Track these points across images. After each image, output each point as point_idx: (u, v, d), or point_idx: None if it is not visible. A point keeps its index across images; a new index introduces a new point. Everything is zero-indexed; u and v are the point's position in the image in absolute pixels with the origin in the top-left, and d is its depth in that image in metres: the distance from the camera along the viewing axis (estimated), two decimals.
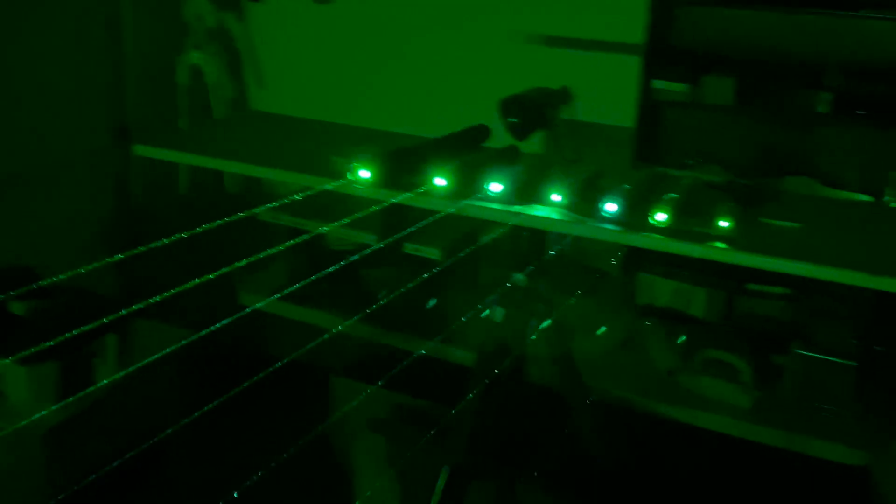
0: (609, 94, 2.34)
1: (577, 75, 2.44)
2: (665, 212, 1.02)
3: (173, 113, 2.87)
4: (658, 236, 1.04)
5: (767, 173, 2.21)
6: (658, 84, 2.20)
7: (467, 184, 1.21)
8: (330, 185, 1.20)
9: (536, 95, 2.55)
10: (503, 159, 1.26)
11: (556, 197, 1.16)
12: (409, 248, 2.05)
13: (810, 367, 1.90)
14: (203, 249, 2.92)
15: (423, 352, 2.18)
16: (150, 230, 2.93)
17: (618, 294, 2.46)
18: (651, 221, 1.03)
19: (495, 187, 1.19)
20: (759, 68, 2.13)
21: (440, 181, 1.21)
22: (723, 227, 1.01)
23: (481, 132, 2.02)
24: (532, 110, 2.53)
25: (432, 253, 2.03)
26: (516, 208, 1.18)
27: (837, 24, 2.06)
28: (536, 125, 2.55)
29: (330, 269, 2.03)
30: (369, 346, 2.46)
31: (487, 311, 1.47)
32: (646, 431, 1.95)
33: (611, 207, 1.08)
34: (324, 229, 2.13)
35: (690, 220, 1.02)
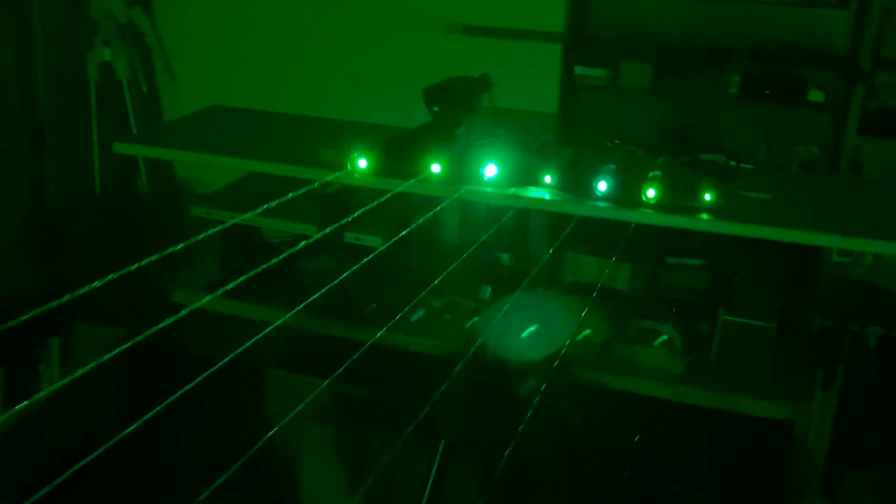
0: (532, 81, 2.42)
1: (501, 63, 2.52)
2: (655, 188, 1.09)
3: (87, 111, 2.80)
4: (649, 211, 1.11)
5: (682, 152, 2.33)
6: (579, 70, 2.29)
7: (462, 170, 1.25)
8: (331, 177, 1.22)
9: (458, 84, 2.61)
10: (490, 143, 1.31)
11: (547, 179, 1.22)
12: (350, 237, 2.08)
13: (734, 332, 2.03)
14: (130, 249, 2.87)
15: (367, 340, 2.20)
16: (66, 231, 2.85)
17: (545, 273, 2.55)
18: (643, 198, 1.10)
19: (490, 171, 1.24)
20: (673, 53, 2.25)
21: (436, 168, 1.25)
22: (707, 201, 1.10)
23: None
24: (455, 98, 2.59)
25: (374, 241, 2.06)
26: (512, 191, 1.23)
27: (743, 9, 2.20)
28: (460, 113, 2.61)
29: (266, 264, 2.04)
30: (307, 339, 2.47)
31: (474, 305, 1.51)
32: (589, 400, 2.04)
33: (602, 186, 1.14)
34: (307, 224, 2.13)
35: (677, 195, 1.10)
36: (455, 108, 2.60)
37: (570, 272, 2.52)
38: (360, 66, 2.71)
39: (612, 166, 1.16)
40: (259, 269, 1.53)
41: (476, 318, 1.46)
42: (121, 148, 1.33)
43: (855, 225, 1.11)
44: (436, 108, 2.62)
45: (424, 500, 1.43)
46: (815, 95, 2.18)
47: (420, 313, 2.23)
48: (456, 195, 1.19)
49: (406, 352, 2.25)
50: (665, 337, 2.07)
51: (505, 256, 1.42)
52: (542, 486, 2.00)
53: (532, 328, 1.45)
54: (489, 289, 1.45)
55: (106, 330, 2.04)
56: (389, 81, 2.68)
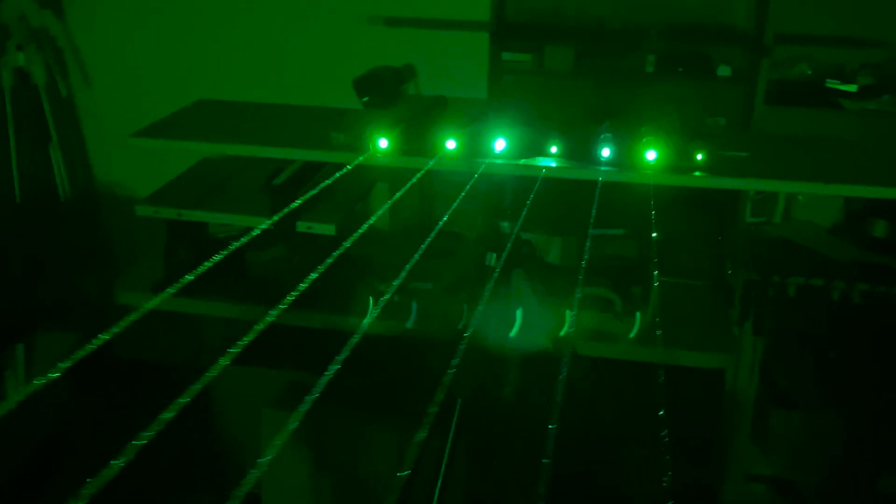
0: (461, 69, 2.52)
1: (430, 52, 2.61)
2: (656, 150, 1.21)
3: (2, 117, 2.73)
4: (650, 171, 1.22)
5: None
6: (506, 56, 2.40)
7: (475, 145, 1.33)
8: (361, 159, 1.27)
9: (385, 73, 2.69)
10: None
11: (553, 149, 1.31)
12: (302, 226, 2.12)
13: (671, 292, 2.20)
14: (56, 255, 2.81)
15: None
16: None
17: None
18: (642, 161, 1.21)
19: (499, 145, 1.32)
20: (592, 37, 2.39)
21: (451, 144, 1.32)
22: (700, 160, 1.22)
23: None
24: (383, 88, 2.67)
25: (327, 229, 2.11)
26: (523, 161, 1.31)
27: None
28: (389, 101, 2.70)
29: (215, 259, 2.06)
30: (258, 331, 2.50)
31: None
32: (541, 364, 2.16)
33: (606, 153, 1.25)
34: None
35: (673, 157, 1.21)
36: (384, 97, 2.69)
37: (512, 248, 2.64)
38: (286, 57, 2.75)
39: (609, 134, 1.27)
40: (207, 265, 1.58)
41: (489, 286, 1.55)
42: (138, 142, 1.35)
43: (827, 173, 1.26)
44: (365, 98, 2.70)
45: (444, 460, 1.51)
46: (723, 70, 2.37)
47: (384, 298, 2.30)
48: (481, 169, 1.28)
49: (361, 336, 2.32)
50: (608, 301, 2.21)
51: (505, 224, 1.52)
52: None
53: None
54: (494, 255, 1.54)
55: (65, 336, 2.03)
56: (316, 72, 2.73)
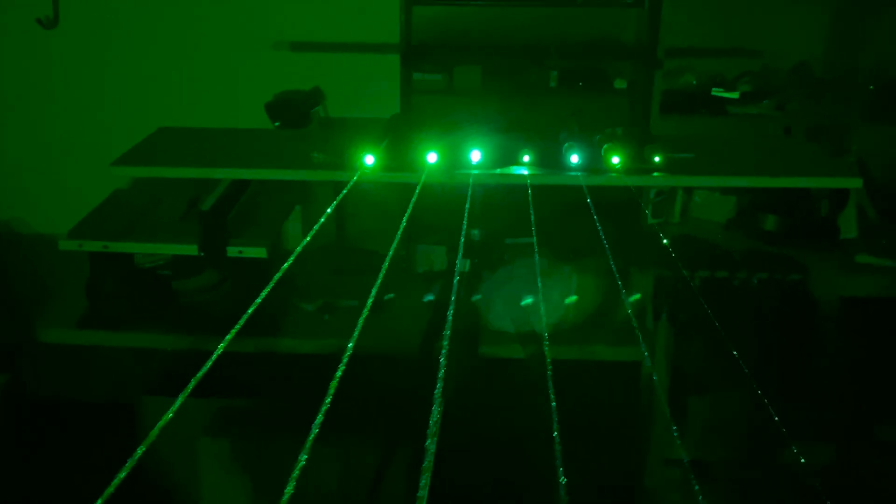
0: (373, 90, 2.60)
1: (341, 75, 2.68)
2: (619, 156, 1.31)
3: None
4: (615, 175, 1.33)
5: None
6: (417, 76, 2.50)
7: (454, 157, 1.40)
8: (355, 177, 1.31)
9: (296, 97, 2.74)
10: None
11: (526, 157, 1.40)
12: (233, 251, 2.14)
13: (588, 291, 2.33)
14: None
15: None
16: None
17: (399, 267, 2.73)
18: (607, 165, 1.32)
19: (475, 157, 1.39)
20: (498, 56, 2.52)
21: (433, 158, 1.38)
22: (657, 162, 1.33)
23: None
24: (294, 112, 2.72)
25: (258, 252, 2.14)
26: (499, 171, 1.39)
27: (554, 13, 2.52)
28: (300, 124, 2.74)
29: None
30: (187, 360, 2.49)
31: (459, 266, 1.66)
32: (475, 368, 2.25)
33: (574, 159, 1.34)
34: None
35: (632, 160, 1.32)
36: (295, 121, 2.74)
37: (421, 263, 2.72)
38: (196, 82, 2.76)
39: (573, 143, 1.38)
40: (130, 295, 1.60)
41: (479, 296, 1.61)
42: (120, 171, 1.36)
43: (770, 167, 1.40)
44: (277, 123, 2.75)
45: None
46: (619, 83, 2.54)
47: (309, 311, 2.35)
48: (472, 181, 1.34)
49: (291, 356, 2.35)
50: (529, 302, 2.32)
51: (475, 232, 1.60)
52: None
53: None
54: (468, 262, 1.61)
55: None
56: (227, 97, 2.75)
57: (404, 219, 1.08)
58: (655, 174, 1.37)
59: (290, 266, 2.75)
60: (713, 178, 1.35)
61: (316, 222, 3.03)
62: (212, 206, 2.13)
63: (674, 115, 2.39)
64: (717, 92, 2.57)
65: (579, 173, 1.39)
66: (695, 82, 2.64)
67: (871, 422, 2.42)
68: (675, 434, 2.50)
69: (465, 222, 1.22)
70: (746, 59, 2.69)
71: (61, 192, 2.77)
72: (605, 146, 1.37)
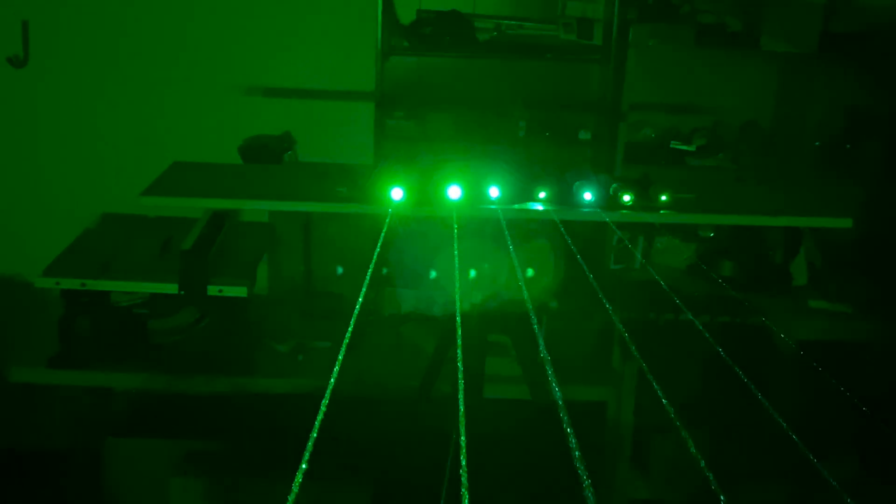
0: (346, 136, 2.67)
1: (314, 121, 2.74)
2: (629, 194, 1.39)
3: None
4: (626, 211, 1.41)
5: None
6: (391, 123, 2.57)
7: (475, 192, 1.45)
8: (390, 212, 1.35)
9: (269, 141, 2.79)
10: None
11: (542, 194, 1.47)
12: (213, 290, 2.15)
13: (559, 330, 2.41)
14: None
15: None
16: None
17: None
18: (621, 202, 1.40)
19: (493, 192, 1.45)
20: (470, 105, 2.62)
21: (455, 193, 1.42)
22: (664, 201, 1.42)
23: None
24: (268, 154, 2.77)
25: (238, 291, 2.16)
26: (517, 206, 1.45)
27: (523, 66, 2.63)
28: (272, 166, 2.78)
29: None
30: (159, 401, 2.48)
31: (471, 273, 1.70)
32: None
33: (588, 196, 1.42)
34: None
35: (642, 199, 1.41)
36: (268, 162, 2.78)
37: (389, 307, 2.77)
38: (169, 123, 2.79)
39: (583, 181, 1.46)
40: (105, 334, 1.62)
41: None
42: (151, 201, 1.38)
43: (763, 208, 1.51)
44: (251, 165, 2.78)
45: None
46: (584, 135, 2.66)
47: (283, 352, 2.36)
48: (503, 216, 1.39)
49: (264, 396, 2.35)
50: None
51: (486, 266, 1.65)
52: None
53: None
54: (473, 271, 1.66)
55: None
56: (198, 141, 2.78)
57: (373, 261, 1.13)
58: (663, 212, 1.46)
59: (262, 309, 2.76)
60: (718, 217, 1.44)
61: (282, 266, 3.07)
62: (192, 244, 2.15)
63: (637, 165, 2.50)
64: (675, 144, 2.71)
65: (595, 210, 1.47)
66: (653, 135, 2.78)
67: (824, 460, 2.53)
68: (639, 473, 2.57)
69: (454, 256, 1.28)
70: (700, 116, 2.84)
71: (28, 232, 2.75)
72: (614, 185, 1.46)
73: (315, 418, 2.20)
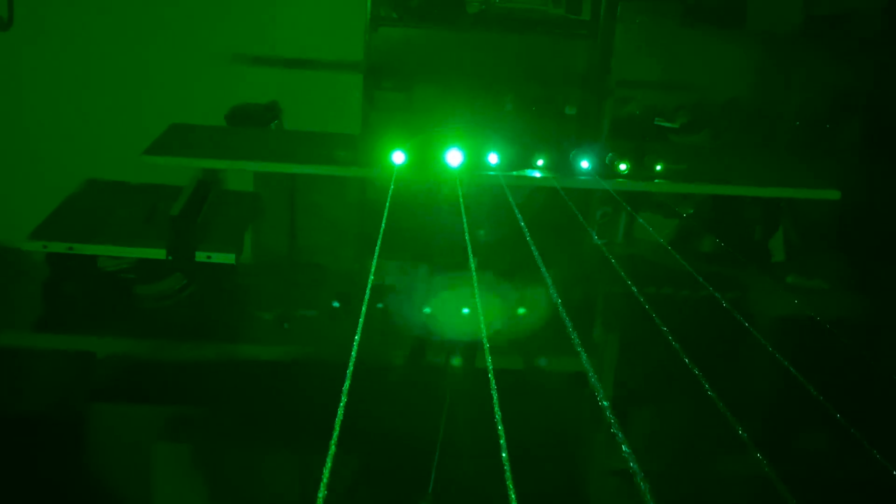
0: (334, 106, 2.67)
1: (301, 91, 2.74)
2: (626, 163, 1.41)
3: None
4: (622, 179, 1.43)
5: None
6: (379, 94, 2.58)
7: (475, 159, 1.46)
8: (394, 176, 1.35)
9: (255, 109, 2.78)
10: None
11: (539, 162, 1.48)
12: (201, 256, 2.16)
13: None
14: None
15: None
16: None
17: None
18: (616, 171, 1.42)
19: (493, 159, 1.46)
20: (457, 78, 2.63)
21: (455, 158, 1.43)
22: (658, 171, 1.44)
23: None
24: (255, 123, 2.76)
25: (226, 258, 2.16)
26: (515, 173, 1.47)
27: (512, 39, 2.64)
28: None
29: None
30: (144, 367, 2.48)
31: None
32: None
33: (585, 164, 1.43)
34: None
35: (638, 167, 1.43)
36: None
37: (376, 277, 2.79)
38: (149, 90, 2.77)
39: (580, 150, 1.48)
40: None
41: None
42: (153, 160, 1.38)
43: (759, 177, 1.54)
44: None
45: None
46: (570, 110, 2.68)
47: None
48: (504, 182, 1.41)
49: (250, 363, 2.37)
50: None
51: (482, 232, 1.67)
52: None
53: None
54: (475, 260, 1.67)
55: None
56: (181, 106, 2.76)
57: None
58: (657, 181, 1.49)
59: (246, 278, 2.77)
60: (711, 187, 1.47)
61: (266, 236, 3.08)
62: (180, 210, 2.15)
63: (623, 141, 2.53)
64: (659, 121, 2.74)
65: (593, 177, 1.50)
66: (638, 112, 2.81)
67: (795, 433, 2.60)
68: (621, 443, 2.62)
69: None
70: (684, 93, 2.87)
71: (10, 197, 2.73)
72: (610, 155, 1.49)
73: (300, 385, 2.22)
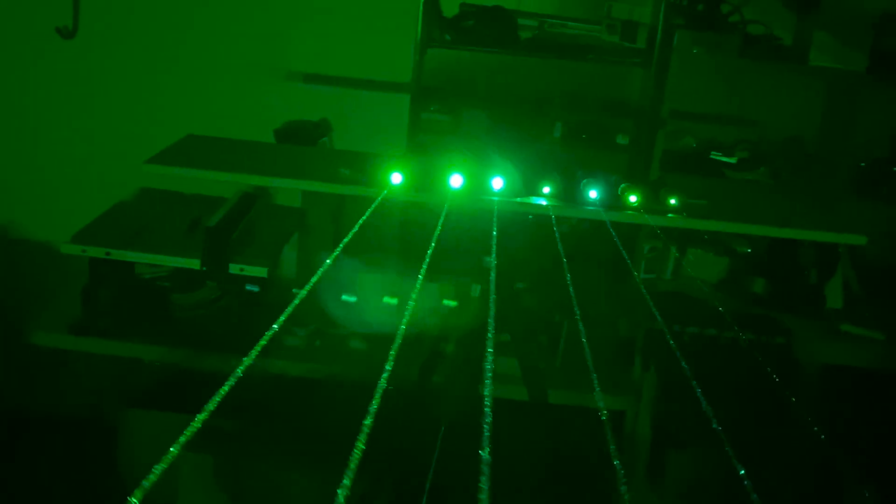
0: (382, 126, 2.67)
1: (351, 110, 2.74)
2: (636, 195, 1.36)
3: None
4: (632, 212, 1.38)
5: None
6: (425, 116, 2.56)
7: (477, 182, 1.44)
8: (380, 196, 1.34)
9: (304, 125, 2.80)
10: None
11: (546, 189, 1.45)
12: (234, 268, 2.16)
13: (576, 339, 2.37)
14: None
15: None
16: None
17: None
18: (626, 203, 1.37)
19: (497, 184, 1.43)
20: (504, 103, 2.59)
21: (457, 181, 1.41)
22: (672, 205, 1.39)
23: None
24: (302, 139, 2.77)
25: (259, 271, 2.16)
26: (518, 199, 1.43)
27: (562, 66, 2.60)
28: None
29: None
30: (178, 375, 2.49)
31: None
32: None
33: (593, 194, 1.39)
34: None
35: (650, 201, 1.37)
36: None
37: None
38: (204, 101, 2.81)
39: (590, 179, 1.43)
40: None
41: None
42: (153, 169, 1.39)
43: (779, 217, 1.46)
44: None
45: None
46: (622, 139, 2.62)
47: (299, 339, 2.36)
48: (496, 207, 1.37)
49: (283, 378, 2.36)
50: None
51: (488, 259, 1.63)
52: None
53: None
54: (479, 287, 1.64)
55: None
56: (234, 120, 2.80)
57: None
58: (671, 215, 1.42)
59: (283, 292, 2.77)
60: (725, 224, 1.40)
61: (311, 251, 3.07)
62: (217, 222, 2.16)
63: (674, 174, 2.46)
64: (715, 155, 2.66)
65: (597, 209, 1.44)
66: (694, 145, 2.73)
67: (841, 490, 2.46)
68: (653, 488, 2.52)
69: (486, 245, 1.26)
70: (743, 128, 2.78)
71: (65, 201, 2.79)
72: (623, 185, 1.43)
73: (326, 403, 2.18)
